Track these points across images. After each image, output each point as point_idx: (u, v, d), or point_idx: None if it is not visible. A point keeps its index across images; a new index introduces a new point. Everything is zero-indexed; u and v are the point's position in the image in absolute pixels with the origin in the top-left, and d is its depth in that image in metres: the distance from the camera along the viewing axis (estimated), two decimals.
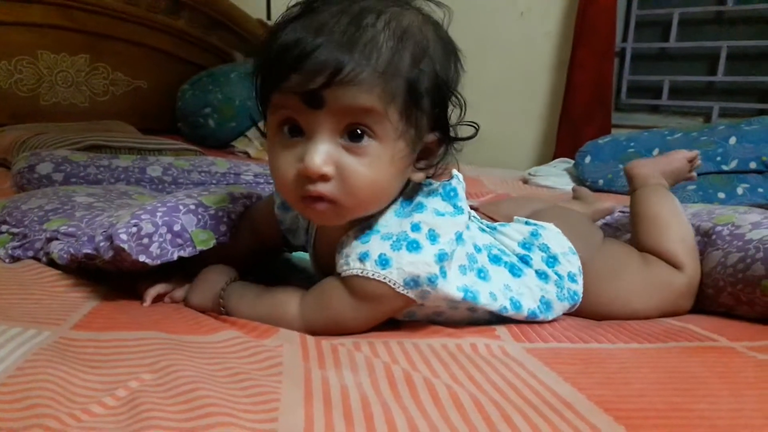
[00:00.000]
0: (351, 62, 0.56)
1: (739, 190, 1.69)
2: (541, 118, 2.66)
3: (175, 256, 0.73)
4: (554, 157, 2.41)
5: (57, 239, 0.81)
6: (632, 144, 1.96)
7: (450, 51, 0.65)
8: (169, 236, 0.73)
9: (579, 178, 2.01)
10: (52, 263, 0.81)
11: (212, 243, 0.76)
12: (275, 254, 0.92)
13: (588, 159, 1.99)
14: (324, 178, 0.60)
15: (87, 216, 0.85)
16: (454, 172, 0.71)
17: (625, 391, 0.54)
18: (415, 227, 0.64)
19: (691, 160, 1.02)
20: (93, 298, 0.73)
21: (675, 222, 0.88)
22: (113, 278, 0.77)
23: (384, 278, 0.63)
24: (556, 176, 2.09)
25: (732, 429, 0.47)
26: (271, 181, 0.75)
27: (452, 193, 0.69)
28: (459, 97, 0.66)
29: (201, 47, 2.70)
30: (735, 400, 0.52)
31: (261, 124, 0.70)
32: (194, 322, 0.68)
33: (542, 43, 2.60)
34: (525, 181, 2.09)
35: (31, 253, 0.83)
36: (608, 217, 1.14)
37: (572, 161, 2.12)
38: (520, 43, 2.64)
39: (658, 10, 2.42)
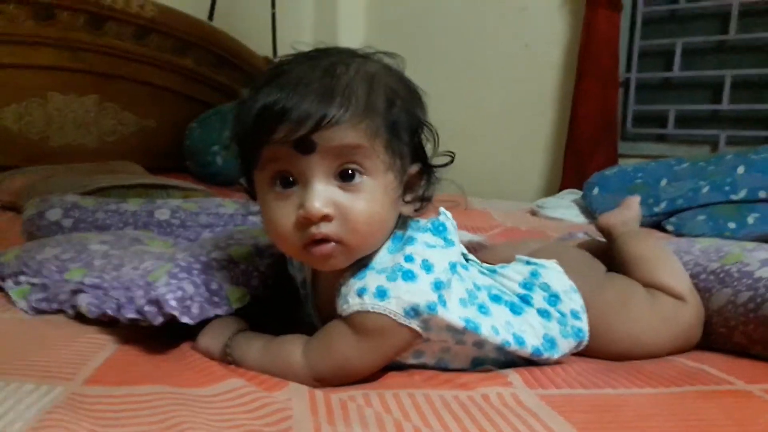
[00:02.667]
0: (334, 106, 0.61)
1: (750, 220, 1.68)
2: (547, 149, 2.67)
3: (212, 314, 0.75)
4: (561, 188, 2.41)
5: (83, 291, 0.82)
6: (640, 174, 1.96)
7: (413, 90, 0.70)
8: (207, 295, 0.75)
9: (588, 210, 2.01)
10: (80, 316, 0.82)
11: (246, 300, 0.78)
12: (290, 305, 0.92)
13: (596, 190, 1.99)
14: (326, 218, 0.63)
15: (107, 266, 0.86)
16: (441, 209, 0.73)
17: None
18: (409, 258, 0.66)
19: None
20: (106, 348, 0.73)
21: (666, 259, 0.89)
22: (124, 325, 0.77)
23: (384, 310, 0.64)
24: (565, 208, 2.09)
25: None
26: None
27: (441, 228, 0.71)
28: (431, 129, 0.71)
29: (208, 85, 2.73)
30: None
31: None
32: (203, 371, 0.68)
33: (547, 74, 2.62)
34: (533, 213, 2.09)
35: (56, 306, 0.84)
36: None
37: (580, 192, 2.12)
38: (524, 74, 2.67)
39: (661, 40, 2.44)
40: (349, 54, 0.68)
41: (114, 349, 0.74)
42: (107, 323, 0.79)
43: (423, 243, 0.68)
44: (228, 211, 1.33)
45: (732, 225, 1.70)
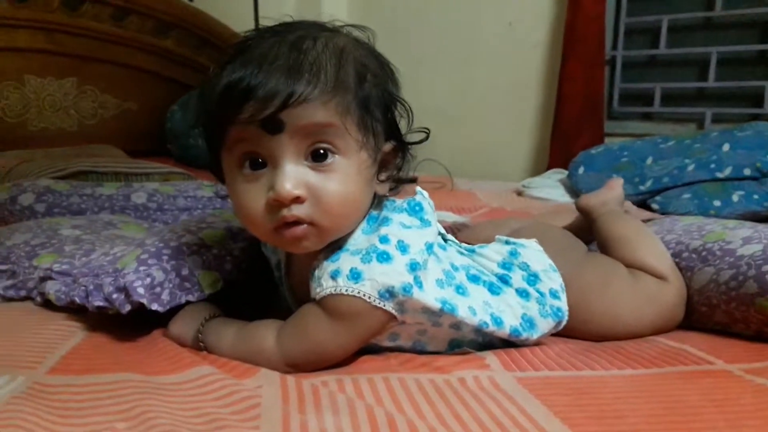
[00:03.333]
0: (302, 83, 0.58)
1: (735, 198, 1.67)
2: (533, 129, 2.65)
3: (183, 300, 0.73)
4: (547, 168, 2.40)
5: (51, 278, 0.80)
6: (625, 153, 1.94)
7: (384, 64, 0.68)
8: (177, 281, 0.73)
9: (573, 189, 1.99)
10: (47, 302, 0.80)
11: (219, 285, 0.77)
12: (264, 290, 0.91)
13: (581, 169, 1.98)
14: (298, 200, 0.61)
15: (77, 252, 0.84)
16: (418, 189, 0.71)
17: (618, 426, 0.52)
18: (384, 239, 0.64)
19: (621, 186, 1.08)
20: (75, 335, 0.72)
21: (647, 238, 0.89)
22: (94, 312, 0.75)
23: (358, 292, 0.62)
24: (551, 188, 2.07)
25: None
26: None
27: (417, 208, 0.69)
28: (405, 104, 0.69)
29: (190, 67, 2.69)
30: None
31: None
32: (172, 357, 0.67)
33: (532, 53, 2.59)
34: (519, 193, 2.07)
35: (24, 293, 0.83)
36: None
37: (566, 172, 2.11)
38: (509, 54, 2.64)
39: (647, 17, 2.42)
40: (316, 28, 0.66)
41: (83, 336, 0.72)
42: (76, 310, 0.77)
43: (398, 223, 0.66)
44: (206, 194, 1.31)
45: (717, 203, 1.69)
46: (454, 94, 2.72)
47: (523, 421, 0.53)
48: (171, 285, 0.72)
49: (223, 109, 0.60)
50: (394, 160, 0.70)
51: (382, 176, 0.69)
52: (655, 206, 1.79)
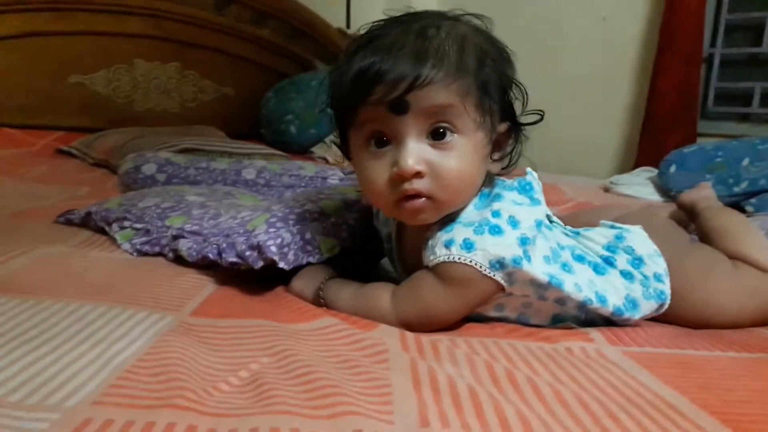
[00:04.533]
0: (427, 67, 0.63)
1: None
2: (622, 125, 2.61)
3: (305, 261, 0.79)
4: (635, 166, 2.36)
5: (183, 237, 0.88)
6: (720, 153, 1.89)
7: (502, 50, 0.72)
8: (301, 243, 0.79)
9: (663, 188, 1.96)
10: (177, 259, 0.88)
11: (337, 250, 0.83)
12: (374, 258, 0.96)
13: (673, 168, 1.94)
14: (418, 175, 0.65)
15: (205, 216, 0.92)
16: (528, 169, 0.75)
17: (728, 396, 0.54)
18: (496, 214, 0.68)
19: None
20: (207, 286, 0.79)
21: (749, 231, 0.90)
22: (222, 268, 0.82)
23: (470, 261, 0.66)
24: (639, 185, 2.04)
25: None
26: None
27: (527, 187, 0.73)
28: (521, 87, 0.72)
29: (283, 55, 2.80)
30: None
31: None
32: (299, 309, 0.73)
33: (625, 47, 2.55)
34: (606, 190, 2.06)
35: (157, 249, 0.90)
36: None
37: (655, 170, 2.07)
38: (601, 47, 2.60)
39: (751, 13, 2.33)
40: (439, 17, 0.70)
41: (213, 288, 0.79)
42: (205, 267, 0.85)
43: (510, 200, 0.70)
44: (308, 173, 1.38)
45: None
46: (544, 87, 2.69)
47: (636, 385, 0.56)
48: (296, 247, 0.78)
49: (355, 92, 0.66)
50: (508, 141, 0.73)
51: (496, 155, 0.73)
52: (749, 209, 1.74)
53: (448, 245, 0.67)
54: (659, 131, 2.37)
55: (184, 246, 0.86)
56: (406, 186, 0.66)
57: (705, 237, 0.93)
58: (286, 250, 0.77)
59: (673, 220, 1.07)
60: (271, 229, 0.78)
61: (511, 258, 0.66)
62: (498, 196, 0.71)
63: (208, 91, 2.63)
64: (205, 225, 0.89)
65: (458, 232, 0.68)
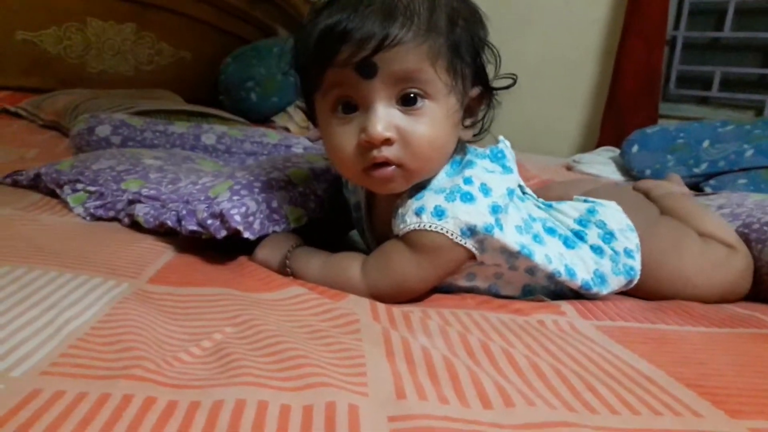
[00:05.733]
0: (395, 26, 0.60)
1: None
2: (585, 106, 2.62)
3: (271, 231, 0.76)
4: (597, 146, 2.38)
5: (140, 201, 0.83)
6: (682, 134, 1.92)
7: (474, 10, 0.69)
8: (267, 212, 0.76)
9: (625, 167, 1.98)
10: (134, 224, 0.83)
11: (304, 220, 0.79)
12: (341, 229, 0.93)
13: (635, 148, 1.96)
14: (387, 142, 0.63)
15: (163, 180, 0.87)
16: (501, 137, 0.73)
17: (703, 370, 0.53)
18: (468, 181, 0.66)
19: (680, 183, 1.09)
20: (165, 253, 0.75)
21: (709, 213, 0.91)
22: (182, 235, 0.78)
23: (441, 228, 0.64)
24: (601, 164, 2.06)
25: None
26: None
27: (499, 155, 0.71)
28: (493, 49, 0.69)
29: (244, 20, 2.71)
30: None
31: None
32: (264, 278, 0.70)
33: (589, 29, 2.55)
34: (569, 168, 2.06)
35: (112, 213, 0.85)
36: None
37: (617, 150, 2.09)
38: (565, 28, 2.60)
39: None
40: None
41: (172, 255, 0.75)
42: (162, 233, 0.81)
43: (482, 168, 0.68)
44: (272, 141, 1.33)
45: None
46: (507, 68, 2.69)
47: (612, 359, 0.55)
48: (262, 216, 0.75)
49: (320, 52, 0.62)
50: (480, 106, 0.71)
51: (468, 122, 0.70)
52: (708, 189, 1.77)
53: (418, 213, 0.65)
54: (622, 112, 2.39)
55: (141, 211, 0.82)
56: (375, 153, 0.63)
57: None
58: (251, 219, 0.73)
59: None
60: (235, 197, 0.74)
61: (483, 225, 0.65)
62: (470, 163, 0.69)
63: (165, 54, 2.53)
64: (164, 190, 0.84)
65: (429, 199, 0.66)
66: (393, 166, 0.64)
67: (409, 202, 0.67)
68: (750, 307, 0.78)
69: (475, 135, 0.72)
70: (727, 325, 0.69)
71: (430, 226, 0.64)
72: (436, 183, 0.68)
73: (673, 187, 1.03)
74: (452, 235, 0.64)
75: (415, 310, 0.64)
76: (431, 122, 0.64)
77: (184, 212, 0.76)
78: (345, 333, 0.54)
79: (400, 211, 0.68)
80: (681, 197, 0.96)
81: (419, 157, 0.64)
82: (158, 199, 0.83)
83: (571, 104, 2.64)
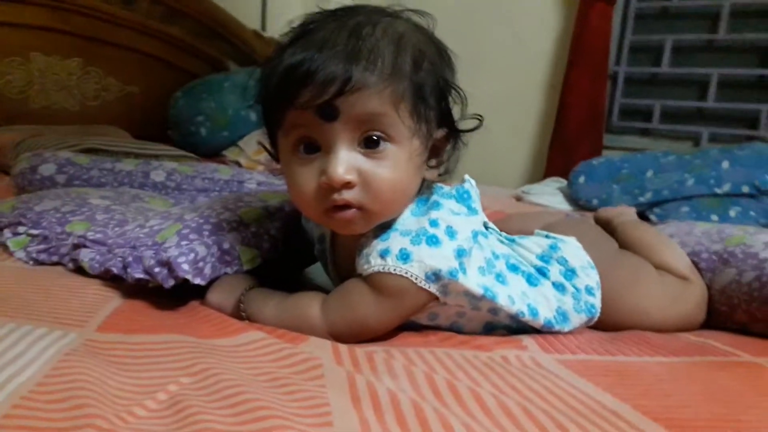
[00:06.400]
0: (359, 69, 0.59)
1: (732, 213, 1.72)
2: (533, 138, 2.69)
3: (223, 273, 0.74)
4: (545, 176, 2.43)
5: (85, 246, 0.79)
6: (626, 165, 1.98)
7: (442, 51, 0.68)
8: (218, 254, 0.74)
9: (573, 198, 2.02)
10: (79, 269, 0.80)
11: (258, 262, 0.77)
12: (296, 268, 0.91)
13: (582, 179, 2.01)
14: (348, 185, 0.62)
15: (110, 222, 0.84)
16: (466, 176, 0.73)
17: (667, 402, 0.54)
18: (434, 223, 0.65)
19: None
20: (113, 299, 0.71)
21: (666, 242, 0.92)
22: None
23: (405, 272, 0.63)
24: (550, 195, 2.10)
25: None
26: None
27: (465, 195, 0.71)
28: (459, 91, 0.69)
29: (195, 55, 2.68)
30: None
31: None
32: (219, 323, 0.67)
33: (536, 63, 2.63)
34: (518, 199, 2.10)
35: (56, 258, 0.82)
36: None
37: (564, 181, 2.14)
38: (513, 62, 2.67)
39: (652, 36, 2.47)
40: (376, 12, 0.66)
41: (121, 301, 0.72)
42: (110, 278, 0.77)
43: (448, 209, 0.67)
44: (224, 176, 1.31)
45: (714, 217, 1.73)
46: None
47: (578, 394, 0.54)
48: (213, 259, 0.73)
49: (283, 92, 0.61)
50: (445, 147, 0.71)
51: (433, 162, 0.70)
52: (653, 218, 1.83)
53: (383, 255, 0.64)
54: (568, 144, 2.46)
55: (86, 257, 0.78)
56: (336, 196, 0.62)
57: (625, 248, 0.95)
58: (201, 264, 0.71)
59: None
60: (183, 242, 0.72)
61: (448, 270, 0.64)
62: (436, 204, 0.68)
63: (112, 90, 2.47)
64: (110, 233, 0.81)
65: (395, 241, 0.65)
66: (354, 209, 0.63)
67: (375, 242, 0.66)
68: (702, 334, 0.80)
69: (440, 175, 0.72)
70: (685, 354, 0.70)
71: (394, 270, 0.63)
72: (401, 223, 0.67)
73: (632, 214, 1.05)
74: (416, 279, 0.64)
75: (378, 350, 0.62)
76: (393, 165, 0.63)
77: (130, 259, 0.73)
78: (308, 379, 0.52)
79: (365, 251, 0.67)
80: (640, 226, 0.98)
81: (380, 200, 0.63)
82: (104, 243, 0.79)
83: (519, 136, 2.70)
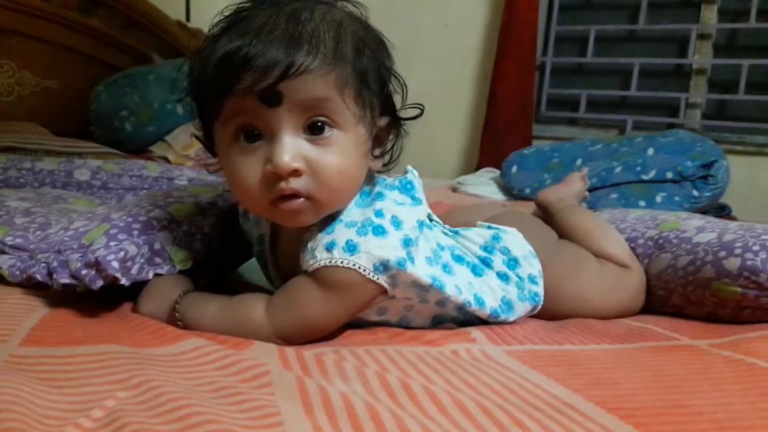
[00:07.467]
0: (301, 53, 0.57)
1: (658, 198, 1.78)
2: (466, 129, 2.72)
3: (151, 275, 0.70)
4: (478, 167, 2.46)
5: (5, 252, 0.73)
6: (556, 154, 2.03)
7: (380, 39, 0.68)
8: (148, 255, 0.70)
9: (506, 187, 2.06)
10: None
11: (189, 263, 0.73)
12: (231, 267, 0.88)
13: (515, 168, 2.04)
14: (295, 173, 0.60)
15: (31, 225, 0.78)
16: (409, 167, 0.72)
17: (618, 391, 0.54)
18: (379, 213, 0.64)
19: (583, 179, 1.10)
20: (38, 309, 0.66)
21: (606, 229, 0.93)
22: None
23: (353, 264, 0.62)
24: (484, 185, 2.13)
25: (731, 422, 0.48)
26: None
27: (408, 186, 0.70)
28: (399, 78, 0.69)
29: (116, 48, 2.55)
30: (721, 395, 0.53)
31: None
32: (155, 330, 0.64)
33: (467, 55, 2.65)
34: (454, 190, 2.12)
35: None
36: None
37: (498, 171, 2.17)
38: (445, 54, 2.69)
39: (576, 26, 2.54)
40: (312, 0, 0.64)
41: (47, 310, 0.67)
42: (31, 286, 0.72)
43: (392, 200, 0.67)
44: (152, 173, 1.25)
45: (642, 203, 1.79)
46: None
47: (530, 387, 0.54)
48: (142, 260, 0.69)
49: (220, 79, 0.59)
50: (388, 136, 0.70)
51: (377, 152, 0.69)
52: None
53: (329, 248, 0.62)
54: (499, 134, 2.49)
55: (6, 264, 0.73)
56: (282, 185, 0.60)
57: (565, 236, 0.96)
58: (129, 264, 0.67)
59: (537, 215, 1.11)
60: (112, 242, 0.68)
61: (396, 260, 0.63)
62: (380, 195, 0.67)
63: (28, 84, 2.32)
64: (32, 237, 0.75)
65: (340, 233, 0.63)
66: (302, 199, 0.61)
67: (319, 236, 0.64)
68: (642, 319, 0.82)
69: (384, 165, 0.71)
70: (628, 341, 0.71)
71: (342, 262, 0.62)
72: (346, 215, 0.66)
73: (570, 198, 1.06)
74: (365, 271, 0.62)
75: (327, 352, 0.60)
76: (340, 152, 0.62)
77: (55, 264, 0.68)
78: (255, 387, 0.50)
79: (309, 245, 0.65)
80: (580, 213, 0.99)
81: (329, 188, 0.62)
82: (25, 249, 0.74)
83: (452, 127, 2.73)
